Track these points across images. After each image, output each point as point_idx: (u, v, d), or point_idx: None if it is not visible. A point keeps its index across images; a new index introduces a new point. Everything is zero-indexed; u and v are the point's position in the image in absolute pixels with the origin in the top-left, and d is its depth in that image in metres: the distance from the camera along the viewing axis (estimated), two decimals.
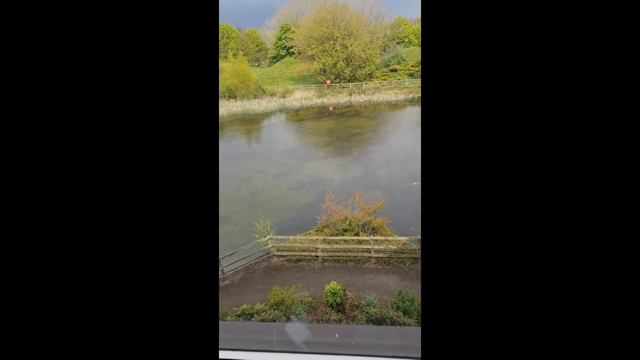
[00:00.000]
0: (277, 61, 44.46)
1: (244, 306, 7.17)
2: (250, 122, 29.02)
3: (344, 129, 24.20)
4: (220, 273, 9.31)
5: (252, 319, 6.73)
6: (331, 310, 7.39)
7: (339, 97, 33.39)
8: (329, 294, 7.43)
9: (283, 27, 44.50)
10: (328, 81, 36.21)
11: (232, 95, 33.60)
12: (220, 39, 45.94)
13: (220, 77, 36.53)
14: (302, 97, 33.94)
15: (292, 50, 41.63)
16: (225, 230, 12.25)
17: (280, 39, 44.21)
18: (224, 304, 8.17)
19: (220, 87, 34.40)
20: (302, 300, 7.52)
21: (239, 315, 6.91)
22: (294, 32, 40.67)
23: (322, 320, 7.15)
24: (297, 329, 0.74)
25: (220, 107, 31.38)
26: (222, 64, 38.43)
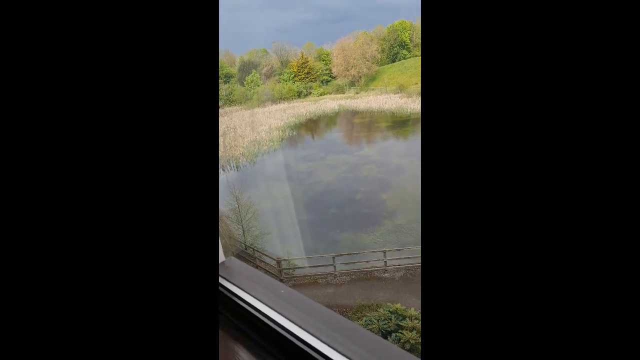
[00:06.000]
0: None
1: (398, 305, 6.87)
2: None
3: None
4: (382, 264, 9.35)
5: (402, 322, 6.34)
6: None
7: None
8: None
9: None
10: None
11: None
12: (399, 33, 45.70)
13: (406, 74, 36.38)
14: None
15: None
16: (394, 224, 12.16)
17: None
18: (378, 295, 8.12)
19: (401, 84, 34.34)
20: None
21: (391, 312, 6.66)
22: None
23: None
24: None
25: (408, 104, 31.21)
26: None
